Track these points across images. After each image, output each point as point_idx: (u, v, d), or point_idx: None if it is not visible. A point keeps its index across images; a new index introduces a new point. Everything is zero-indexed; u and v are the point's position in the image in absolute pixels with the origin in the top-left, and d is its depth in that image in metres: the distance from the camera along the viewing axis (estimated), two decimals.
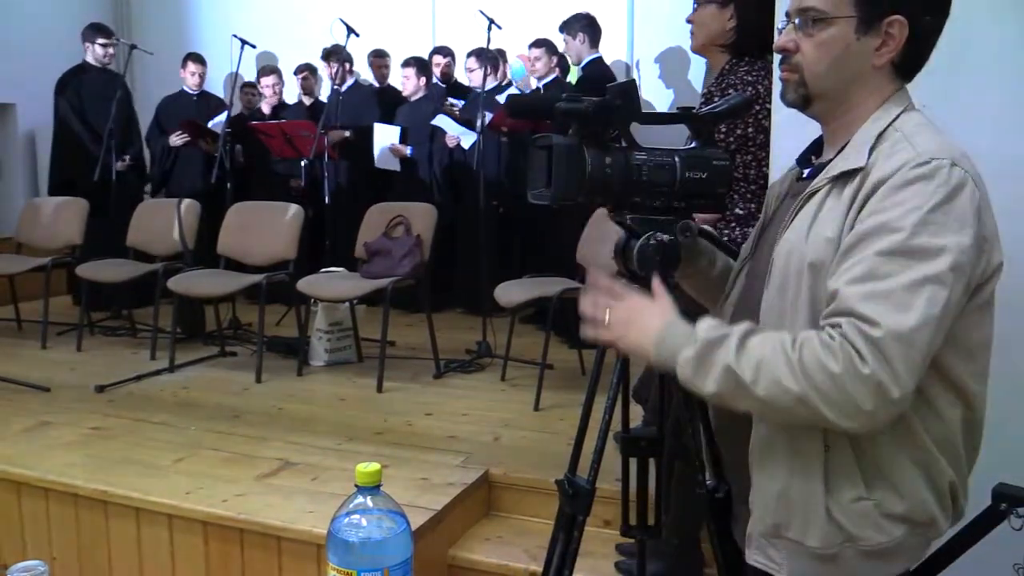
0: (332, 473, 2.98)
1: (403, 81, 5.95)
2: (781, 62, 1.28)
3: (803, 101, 1.27)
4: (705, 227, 1.47)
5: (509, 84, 5.72)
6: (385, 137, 5.73)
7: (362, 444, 3.30)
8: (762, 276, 1.30)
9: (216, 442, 3.31)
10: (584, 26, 4.79)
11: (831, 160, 1.26)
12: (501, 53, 5.57)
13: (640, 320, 1.27)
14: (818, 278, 1.18)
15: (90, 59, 5.95)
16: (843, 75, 1.23)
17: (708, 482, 1.45)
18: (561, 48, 5.28)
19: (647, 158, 1.36)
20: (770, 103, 2.18)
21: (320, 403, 3.91)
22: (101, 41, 5.89)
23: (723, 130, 2.19)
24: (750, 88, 2.19)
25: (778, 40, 1.27)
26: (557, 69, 5.41)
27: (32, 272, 5.04)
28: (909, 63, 1.25)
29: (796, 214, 1.25)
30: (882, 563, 1.21)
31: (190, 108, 6.27)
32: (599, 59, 4.84)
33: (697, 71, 5.77)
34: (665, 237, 1.37)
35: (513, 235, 5.37)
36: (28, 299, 5.41)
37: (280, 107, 6.34)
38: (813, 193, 1.24)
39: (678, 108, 1.46)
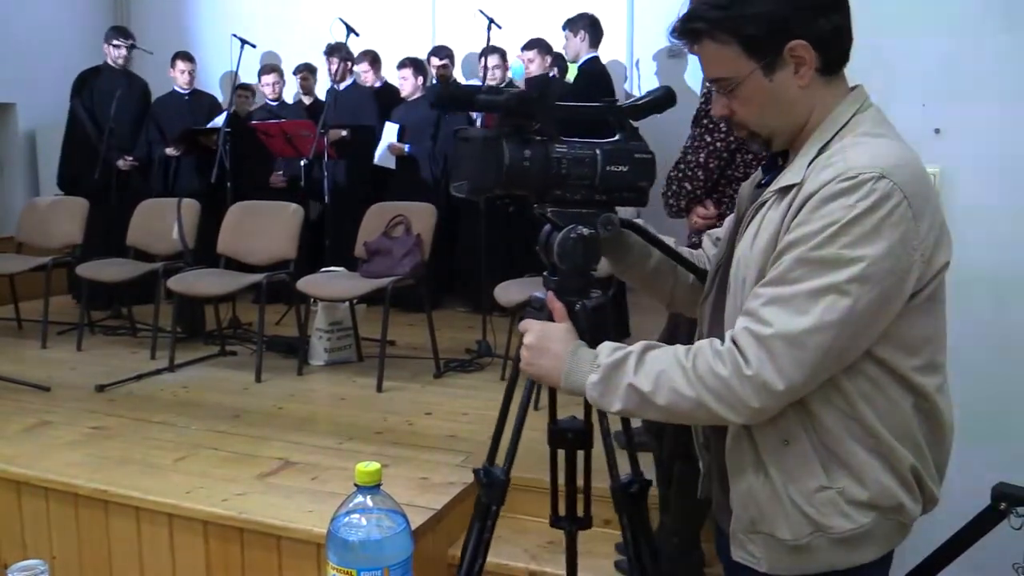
0: (332, 472, 2.98)
1: (400, 82, 5.96)
2: (729, 125, 1.33)
3: (766, 145, 1.31)
4: (635, 220, 1.46)
5: (511, 84, 5.72)
6: (387, 135, 5.74)
7: (362, 443, 3.30)
8: (721, 281, 1.36)
9: (216, 441, 3.31)
10: (587, 25, 4.80)
11: (782, 169, 1.30)
12: (503, 53, 5.57)
13: (547, 351, 1.33)
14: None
15: (108, 60, 6.00)
16: (780, 111, 1.26)
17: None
18: (559, 46, 5.27)
19: (567, 151, 1.35)
20: None
21: (320, 402, 3.91)
22: (116, 42, 5.95)
23: (723, 129, 2.18)
24: None
25: (714, 110, 1.32)
26: (555, 69, 5.41)
27: (32, 272, 5.05)
28: (832, 64, 1.26)
29: (748, 224, 1.30)
30: (855, 550, 1.25)
31: (183, 108, 6.24)
32: (595, 58, 4.85)
33: (696, 71, 5.77)
34: (585, 230, 1.36)
35: (514, 233, 5.36)
36: (28, 298, 5.41)
37: (280, 106, 6.34)
38: (762, 204, 1.27)
39: (600, 101, 1.44)
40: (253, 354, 4.45)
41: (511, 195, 1.36)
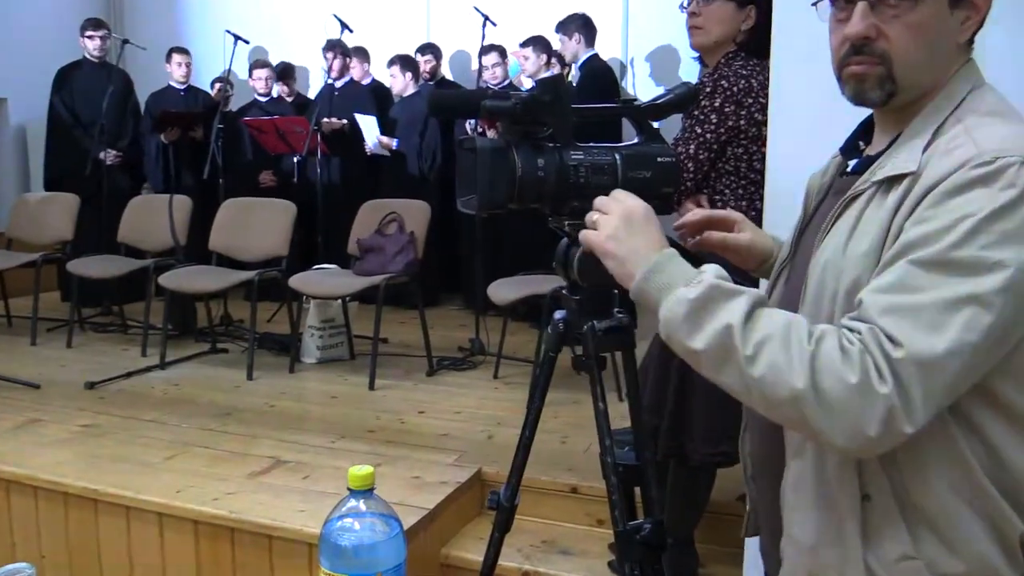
0: (324, 472, 2.96)
1: (390, 80, 5.93)
2: (854, 53, 1.07)
3: (887, 98, 1.07)
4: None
5: (508, 82, 5.69)
6: (368, 128, 5.70)
7: (354, 442, 3.28)
8: (799, 287, 1.14)
9: (207, 440, 3.29)
10: (580, 26, 4.79)
11: (881, 153, 1.10)
12: (503, 51, 5.54)
13: (643, 231, 1.08)
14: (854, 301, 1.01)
15: (85, 53, 5.92)
16: (931, 58, 1.05)
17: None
18: (556, 46, 5.26)
19: (584, 157, 1.24)
20: (764, 97, 2.17)
21: (312, 401, 3.89)
22: (89, 33, 5.85)
23: (714, 120, 2.17)
24: (743, 81, 2.17)
25: (851, 26, 1.05)
26: (556, 66, 5.39)
27: (22, 268, 5.01)
28: (977, 29, 1.08)
29: (835, 220, 1.09)
30: None
31: (179, 103, 6.22)
32: (595, 56, 4.83)
33: (690, 69, 5.76)
34: None
35: (509, 232, 5.34)
36: (18, 295, 5.37)
37: (271, 102, 6.30)
38: (855, 197, 1.07)
39: (618, 101, 1.35)
40: (245, 352, 4.42)
41: (524, 209, 1.26)
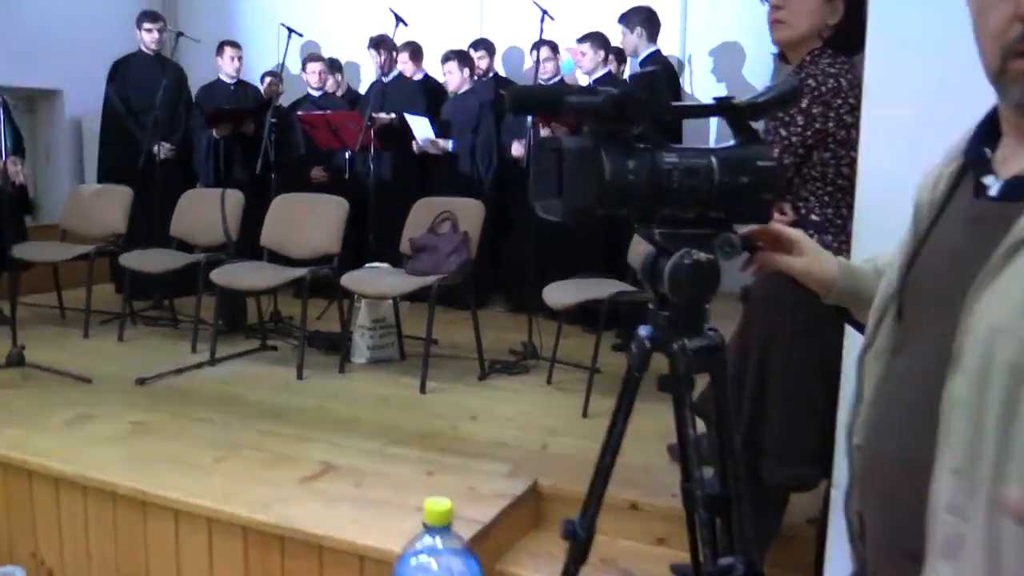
0: (376, 479, 2.88)
1: (446, 76, 5.84)
2: None
3: None
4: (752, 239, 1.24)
5: (560, 79, 5.58)
6: (419, 130, 5.62)
7: (406, 448, 3.19)
8: (926, 336, 0.97)
9: (258, 441, 3.23)
10: (643, 20, 4.65)
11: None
12: (554, 46, 5.44)
13: None
14: None
15: (141, 46, 5.92)
16: None
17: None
18: (616, 40, 5.13)
19: (678, 160, 1.14)
20: (853, 98, 2.03)
21: (363, 403, 3.81)
22: (147, 26, 5.86)
23: (800, 122, 2.04)
24: (831, 80, 2.03)
25: None
26: (613, 63, 5.26)
27: (76, 260, 5.01)
28: None
29: (999, 271, 0.87)
30: None
31: (229, 97, 6.21)
32: (658, 52, 4.70)
33: (753, 67, 5.60)
34: (702, 255, 1.15)
35: (565, 234, 5.23)
36: (72, 287, 5.38)
37: (324, 97, 6.26)
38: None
39: (714, 99, 1.23)
40: (295, 349, 4.37)
41: (612, 215, 1.16)
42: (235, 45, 6.25)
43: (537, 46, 4.81)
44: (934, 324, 0.95)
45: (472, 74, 5.86)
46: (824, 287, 1.23)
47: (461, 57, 5.80)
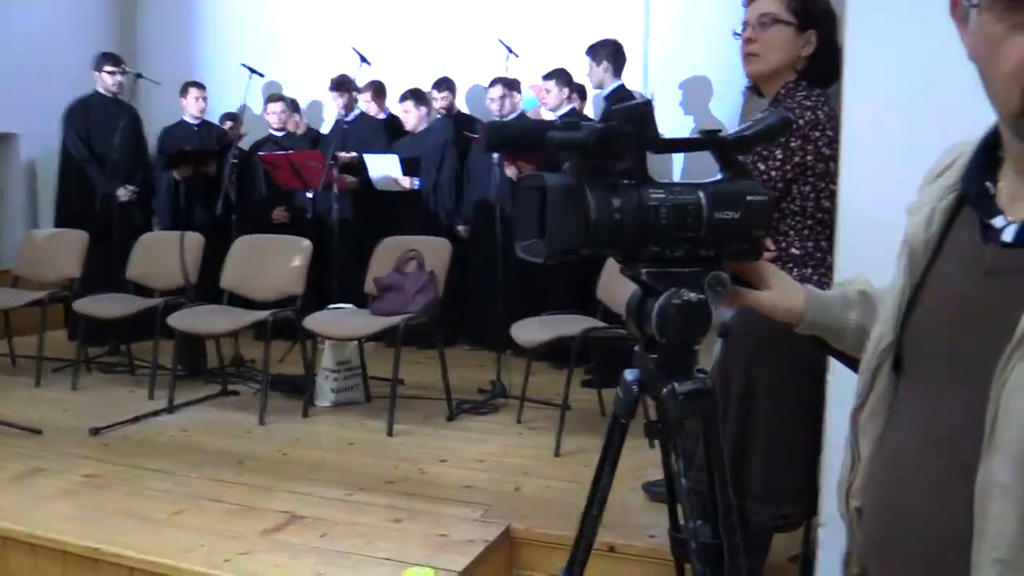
0: (342, 529, 2.76)
1: (403, 115, 5.81)
2: None
3: None
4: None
5: (522, 115, 5.56)
6: (382, 168, 5.55)
7: (373, 494, 3.08)
8: (938, 397, 0.89)
9: (218, 492, 3.10)
10: (609, 54, 4.64)
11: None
12: (510, 83, 5.43)
13: None
14: None
15: (99, 88, 5.82)
16: None
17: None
18: (580, 74, 5.11)
19: (665, 196, 1.09)
20: (831, 130, 2.00)
21: (328, 448, 3.70)
22: (108, 69, 5.76)
23: (779, 156, 2.00)
24: (809, 113, 2.00)
25: None
26: (576, 99, 5.25)
27: (28, 306, 4.84)
28: None
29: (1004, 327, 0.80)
30: None
31: (192, 138, 6.12)
32: (622, 87, 4.68)
33: (718, 103, 5.63)
34: (692, 295, 1.10)
35: (529, 270, 5.18)
36: (24, 333, 5.20)
37: (287, 137, 6.18)
38: None
39: (700, 132, 1.19)
40: (256, 394, 4.25)
41: (595, 255, 1.10)
42: (199, 86, 6.19)
43: (491, 84, 4.76)
44: (947, 384, 0.88)
45: (429, 112, 5.83)
46: (793, 318, 1.17)
47: (417, 96, 5.77)
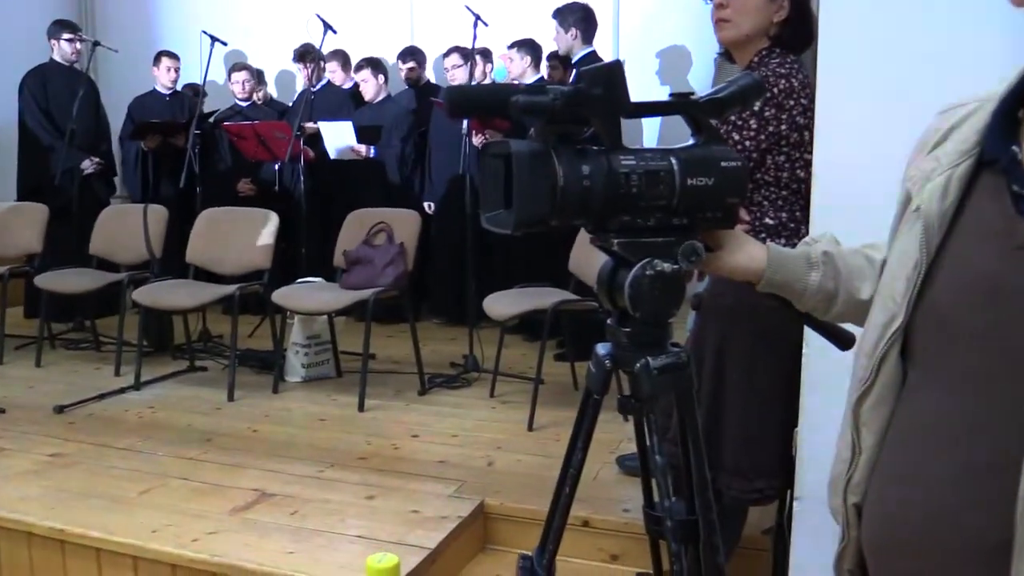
0: (313, 506, 2.73)
1: (362, 85, 5.69)
2: None
3: None
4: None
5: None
6: (338, 136, 5.45)
7: (345, 471, 3.05)
8: (964, 384, 0.82)
9: (186, 470, 3.05)
10: (579, 19, 4.51)
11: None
12: (486, 52, 5.33)
13: None
14: None
15: (56, 56, 5.64)
16: None
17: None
18: (549, 39, 4.99)
19: (636, 163, 1.04)
20: (805, 99, 1.96)
21: (298, 424, 3.65)
22: (67, 36, 5.58)
23: (753, 126, 1.96)
24: (783, 81, 1.96)
25: None
26: (558, 71, 5.16)
27: None
28: None
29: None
30: None
31: (163, 108, 5.98)
32: (593, 53, 4.57)
33: (696, 73, 5.58)
34: (666, 265, 1.06)
35: (495, 242, 5.12)
36: None
37: (252, 107, 6.05)
38: None
39: (671, 95, 1.15)
40: (224, 369, 4.18)
41: (567, 225, 1.05)
42: (173, 56, 6.02)
43: (446, 53, 4.57)
44: (977, 369, 0.80)
45: (387, 81, 5.71)
46: (754, 277, 1.11)
47: (374, 64, 5.64)
